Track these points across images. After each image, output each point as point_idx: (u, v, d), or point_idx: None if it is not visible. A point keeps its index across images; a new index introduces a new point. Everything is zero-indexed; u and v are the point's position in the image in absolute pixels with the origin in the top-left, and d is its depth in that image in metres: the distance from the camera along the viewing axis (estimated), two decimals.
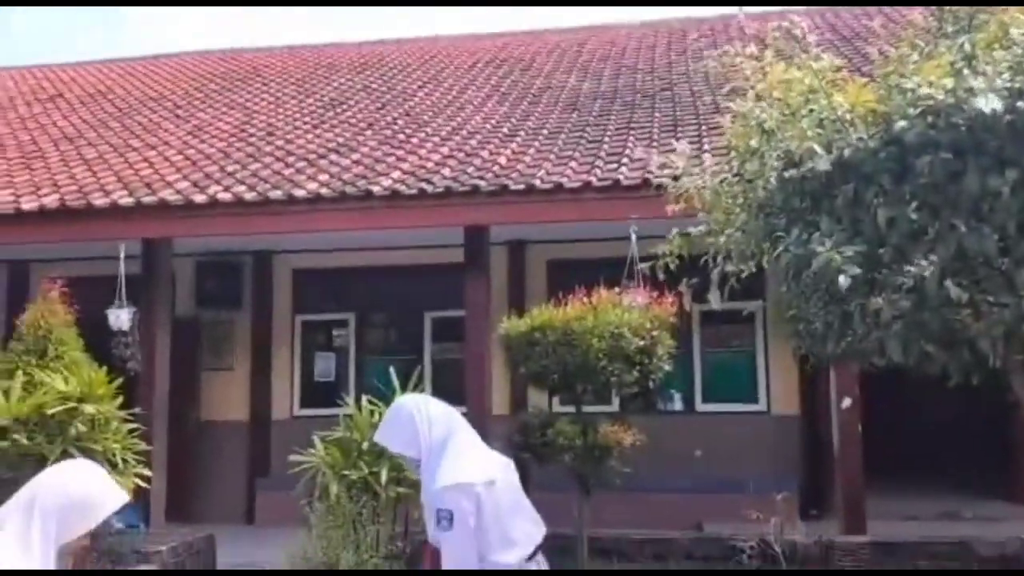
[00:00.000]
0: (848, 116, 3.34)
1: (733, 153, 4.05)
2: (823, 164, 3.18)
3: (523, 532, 3.40)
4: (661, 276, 4.11)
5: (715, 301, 3.85)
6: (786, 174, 3.50)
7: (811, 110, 3.46)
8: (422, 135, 9.77)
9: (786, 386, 9.51)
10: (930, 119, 3.05)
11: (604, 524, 6.97)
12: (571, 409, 7.03)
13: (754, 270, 4.03)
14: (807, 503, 8.31)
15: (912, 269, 2.86)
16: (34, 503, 2.49)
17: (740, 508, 6.14)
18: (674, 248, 4.02)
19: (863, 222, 3.17)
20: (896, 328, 3.01)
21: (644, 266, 4.27)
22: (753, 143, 3.70)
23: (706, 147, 7.55)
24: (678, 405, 9.89)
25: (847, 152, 3.21)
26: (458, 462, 3.33)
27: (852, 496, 7.38)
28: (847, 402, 7.52)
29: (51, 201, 8.37)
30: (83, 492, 2.57)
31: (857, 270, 2.99)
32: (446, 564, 3.29)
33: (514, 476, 3.52)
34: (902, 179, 3.08)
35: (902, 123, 3.10)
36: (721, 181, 3.96)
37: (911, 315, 2.94)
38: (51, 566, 2.48)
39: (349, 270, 10.41)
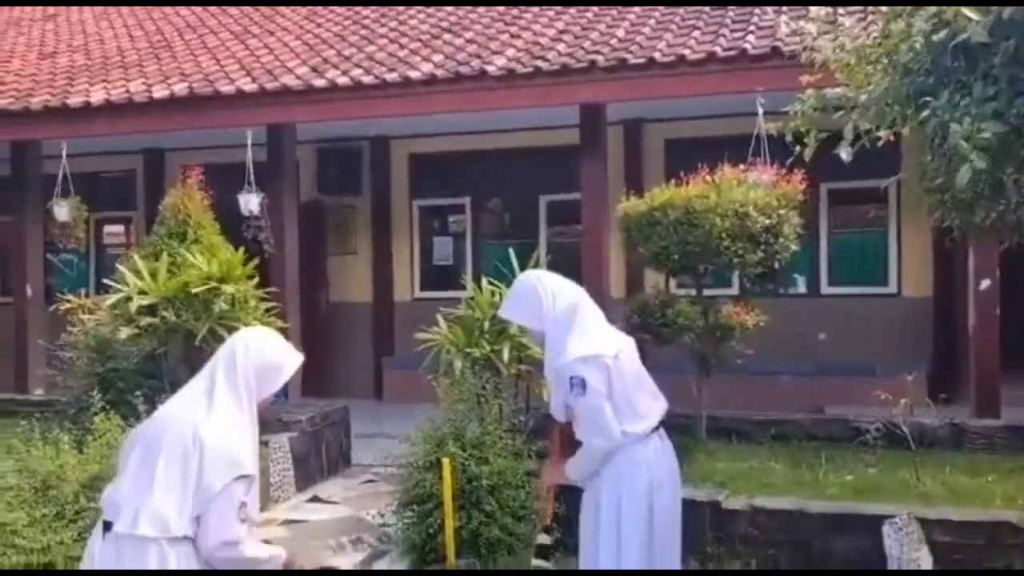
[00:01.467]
0: None
1: (874, 17, 3.76)
2: (979, 34, 2.88)
3: (646, 406, 3.50)
4: (789, 138, 3.89)
5: (845, 154, 3.63)
6: (935, 37, 3.22)
7: None
8: (535, 10, 9.50)
9: (919, 267, 9.12)
10: None
11: (723, 406, 6.97)
12: (690, 292, 6.95)
13: (892, 139, 3.80)
14: (937, 388, 8.03)
15: None
16: (235, 366, 2.75)
17: (865, 392, 6.00)
18: (807, 108, 3.80)
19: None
20: None
21: (771, 126, 4.05)
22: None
23: (841, 12, 7.05)
24: (802, 288, 9.65)
25: (1007, 12, 2.90)
26: (587, 335, 3.41)
27: (986, 380, 7.11)
28: (986, 283, 7.15)
29: (180, 89, 8.66)
30: (274, 354, 2.86)
31: (983, 165, 2.76)
32: (583, 426, 3.42)
33: (635, 352, 3.61)
34: None
35: None
36: (862, 46, 3.68)
37: None
38: (257, 424, 2.78)
39: (464, 154, 10.43)
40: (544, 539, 3.86)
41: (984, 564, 4.58)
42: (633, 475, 3.42)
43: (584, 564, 3.61)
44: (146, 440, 2.70)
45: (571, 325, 3.43)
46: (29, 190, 9.51)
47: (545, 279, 3.59)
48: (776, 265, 6.50)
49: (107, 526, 2.66)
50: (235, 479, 2.62)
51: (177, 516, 2.58)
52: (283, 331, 7.08)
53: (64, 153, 8.92)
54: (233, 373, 2.73)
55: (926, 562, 4.68)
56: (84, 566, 2.76)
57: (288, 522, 6.13)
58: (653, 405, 3.53)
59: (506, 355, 6.14)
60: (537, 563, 3.89)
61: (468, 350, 6.22)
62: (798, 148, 3.89)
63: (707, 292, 6.89)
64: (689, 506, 5.14)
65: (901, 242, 9.24)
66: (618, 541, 3.41)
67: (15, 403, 8.20)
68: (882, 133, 3.70)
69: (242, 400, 2.72)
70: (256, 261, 7.05)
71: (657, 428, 3.53)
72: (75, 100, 8.88)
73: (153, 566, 2.57)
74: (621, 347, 3.49)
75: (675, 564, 3.64)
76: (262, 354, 2.81)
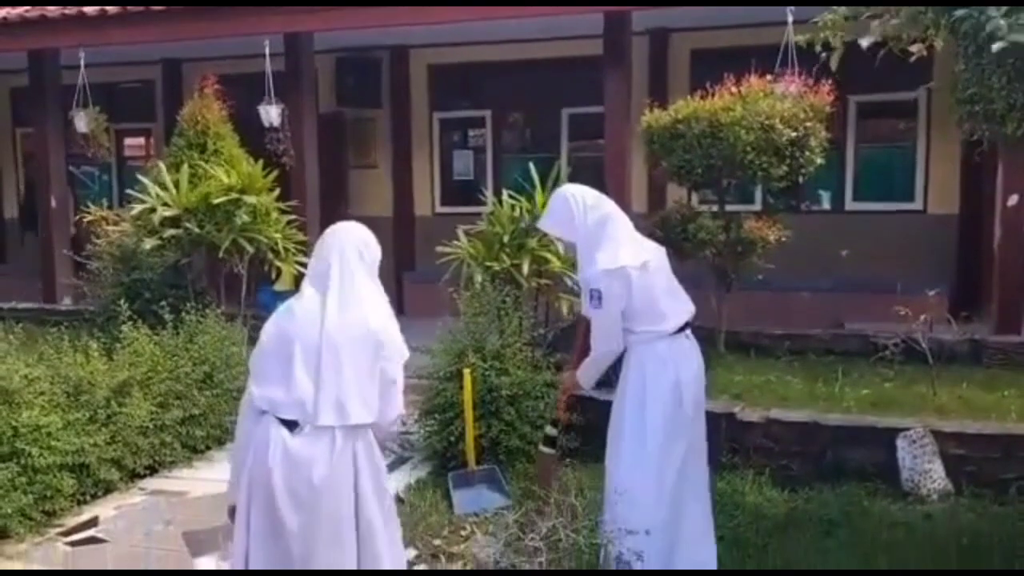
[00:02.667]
0: None
1: None
2: None
3: (672, 309, 3.79)
4: (819, 49, 3.79)
5: (865, 42, 3.54)
6: None
7: None
8: None
9: (946, 184, 8.97)
10: None
11: (742, 322, 6.99)
12: (712, 207, 6.90)
13: (924, 53, 3.69)
14: (958, 305, 8.02)
15: None
16: (366, 261, 2.95)
17: (886, 309, 5.99)
18: (838, 18, 3.69)
19: None
20: None
21: (801, 38, 3.95)
22: None
23: None
24: (826, 204, 9.54)
25: None
26: (614, 248, 3.67)
27: (1009, 297, 7.07)
28: (1014, 199, 7.05)
29: None
30: (377, 245, 3.05)
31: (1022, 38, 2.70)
32: (593, 335, 3.77)
33: (665, 261, 3.87)
34: None
35: None
36: None
37: None
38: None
39: (484, 65, 10.24)
40: (551, 431, 4.30)
41: (997, 476, 4.65)
42: (658, 368, 3.68)
43: (610, 459, 3.83)
44: (308, 341, 2.80)
45: (600, 237, 3.68)
46: (49, 101, 9.48)
47: (578, 193, 3.80)
48: (800, 180, 6.42)
49: (289, 424, 2.81)
50: (402, 361, 2.92)
51: (376, 401, 2.86)
52: (304, 243, 7.22)
53: (82, 62, 8.84)
54: (368, 267, 2.94)
55: (939, 474, 4.75)
56: (276, 465, 2.80)
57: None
58: (680, 308, 3.80)
59: (526, 269, 6.16)
60: (544, 449, 4.39)
61: (488, 264, 6.24)
62: (824, 54, 3.78)
63: (730, 207, 6.84)
64: (705, 417, 5.25)
65: (929, 158, 9.06)
66: (642, 432, 3.68)
67: (44, 312, 8.39)
68: (914, 48, 3.60)
69: (380, 290, 2.97)
70: (276, 173, 7.05)
71: (683, 329, 3.78)
72: (91, 8, 8.76)
73: (362, 449, 2.87)
74: (650, 257, 3.73)
75: (702, 459, 3.88)
76: (376, 247, 3.02)
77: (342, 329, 2.82)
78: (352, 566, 2.89)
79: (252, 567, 2.90)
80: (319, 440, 2.80)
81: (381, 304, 2.94)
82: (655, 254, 3.80)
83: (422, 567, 3.99)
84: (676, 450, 3.70)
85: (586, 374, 3.91)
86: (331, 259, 2.92)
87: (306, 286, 2.95)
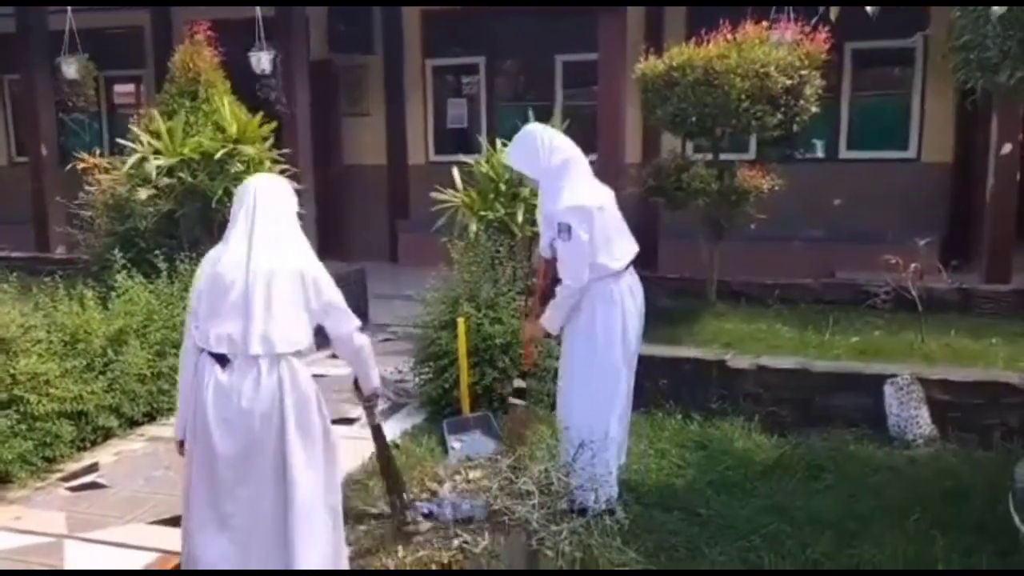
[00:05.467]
0: None
1: None
2: None
3: (621, 249, 4.04)
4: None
5: (871, 10, 3.55)
6: None
7: None
8: None
9: (940, 132, 8.96)
10: None
11: (734, 271, 7.02)
12: (706, 156, 6.88)
13: None
14: (949, 254, 8.06)
15: None
16: (280, 204, 3.14)
17: (877, 258, 6.04)
18: None
19: None
20: None
21: None
22: None
23: None
24: (819, 153, 9.52)
25: None
26: (578, 188, 3.89)
27: (1000, 245, 7.12)
28: (1007, 148, 7.05)
29: None
30: (293, 196, 3.28)
31: None
32: (562, 265, 3.93)
33: (615, 203, 4.09)
34: None
35: None
36: None
37: None
38: None
39: (477, 10, 10.08)
40: (519, 383, 4.53)
41: (982, 422, 4.74)
42: (608, 307, 3.94)
43: (562, 393, 4.09)
44: (237, 279, 3.01)
45: (563, 177, 3.88)
46: (35, 46, 9.32)
47: (545, 134, 3.98)
48: (795, 128, 6.40)
49: (221, 358, 3.03)
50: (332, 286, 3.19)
51: (306, 335, 3.10)
52: (298, 193, 7.17)
53: (69, 8, 8.68)
54: (284, 213, 3.15)
55: (925, 420, 4.84)
56: (209, 397, 3.03)
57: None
58: (628, 248, 4.06)
59: (520, 218, 6.17)
60: (514, 401, 4.56)
61: (483, 213, 6.25)
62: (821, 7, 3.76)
63: (724, 156, 6.82)
64: (696, 365, 5.33)
65: (924, 106, 9.03)
66: (591, 365, 3.96)
67: (38, 261, 8.38)
68: None
69: (300, 233, 3.18)
70: (273, 125, 6.96)
71: (628, 267, 4.07)
72: None
73: (287, 375, 3.05)
74: (605, 200, 3.98)
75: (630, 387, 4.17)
76: (292, 196, 3.23)
77: (268, 266, 3.02)
78: (268, 500, 3.07)
79: (193, 493, 3.17)
80: (247, 372, 3.02)
81: (302, 244, 3.15)
82: (608, 196, 4.02)
83: (421, 505, 4.07)
84: (623, 383, 4.03)
85: (551, 318, 4.04)
86: (248, 206, 3.10)
87: (229, 231, 3.13)
